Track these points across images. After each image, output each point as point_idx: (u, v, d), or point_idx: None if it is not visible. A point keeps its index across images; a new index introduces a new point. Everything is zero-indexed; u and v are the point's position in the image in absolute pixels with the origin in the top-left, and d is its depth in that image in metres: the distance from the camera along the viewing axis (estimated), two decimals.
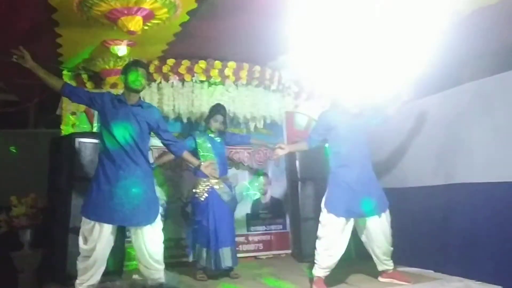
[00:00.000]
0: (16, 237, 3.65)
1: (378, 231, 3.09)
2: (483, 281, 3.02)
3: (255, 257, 4.45)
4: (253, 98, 4.47)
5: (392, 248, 3.18)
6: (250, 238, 4.51)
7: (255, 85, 4.50)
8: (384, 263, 3.18)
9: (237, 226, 4.23)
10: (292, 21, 3.21)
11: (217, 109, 3.75)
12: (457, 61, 3.61)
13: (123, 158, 2.67)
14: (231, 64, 4.31)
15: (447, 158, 3.50)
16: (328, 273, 3.08)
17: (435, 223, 3.52)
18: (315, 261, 3.09)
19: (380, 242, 3.12)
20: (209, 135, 3.70)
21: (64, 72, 4.09)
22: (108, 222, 2.66)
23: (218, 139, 3.72)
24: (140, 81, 2.77)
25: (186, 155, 3.03)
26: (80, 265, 2.69)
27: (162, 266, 2.83)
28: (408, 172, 3.85)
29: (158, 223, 2.79)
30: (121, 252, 3.60)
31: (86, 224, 2.66)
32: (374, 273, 3.32)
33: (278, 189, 4.72)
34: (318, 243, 3.07)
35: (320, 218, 3.09)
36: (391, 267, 3.21)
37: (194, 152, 3.57)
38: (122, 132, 2.69)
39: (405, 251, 3.68)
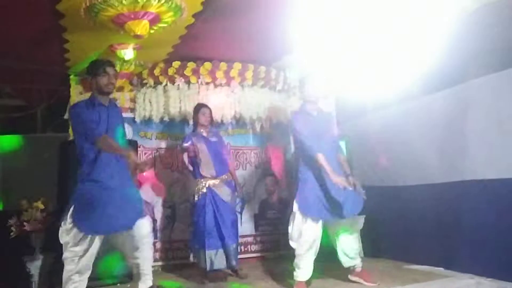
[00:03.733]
0: (28, 241, 3.67)
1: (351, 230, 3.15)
2: (494, 278, 3.01)
3: (263, 257, 4.46)
4: (259, 99, 4.46)
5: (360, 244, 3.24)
6: (258, 238, 4.51)
7: (261, 85, 4.49)
8: (354, 258, 3.20)
9: (245, 226, 4.40)
10: (296, 22, 3.23)
11: (200, 104, 3.77)
12: (462, 57, 3.57)
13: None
14: (237, 65, 4.30)
15: (453, 155, 3.48)
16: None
17: (443, 220, 3.51)
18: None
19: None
20: (203, 135, 3.66)
21: (71, 76, 4.11)
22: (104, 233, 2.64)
23: (213, 139, 3.67)
24: (113, 84, 2.75)
25: None
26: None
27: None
28: (414, 169, 3.83)
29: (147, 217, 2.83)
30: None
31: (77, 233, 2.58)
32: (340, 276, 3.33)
33: (285, 189, 4.69)
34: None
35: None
36: (360, 265, 3.23)
37: (194, 153, 3.59)
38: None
39: (415, 249, 3.74)
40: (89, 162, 2.63)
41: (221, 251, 3.47)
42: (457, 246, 3.39)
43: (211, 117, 3.75)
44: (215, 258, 3.44)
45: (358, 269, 3.21)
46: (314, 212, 3.02)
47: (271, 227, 4.59)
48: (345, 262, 3.22)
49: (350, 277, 3.25)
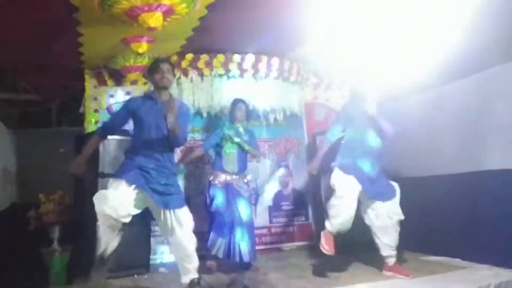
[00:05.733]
0: (46, 233, 3.73)
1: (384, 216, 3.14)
2: None
3: (278, 248, 4.50)
4: (272, 91, 4.49)
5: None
6: (273, 230, 4.55)
7: (274, 77, 4.52)
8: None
9: (259, 218, 4.33)
10: (310, 12, 3.29)
11: (238, 99, 3.84)
12: (482, 45, 3.48)
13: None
14: (250, 57, 4.35)
15: (472, 145, 3.49)
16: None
17: (462, 211, 3.50)
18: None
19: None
20: (238, 129, 3.72)
21: (86, 70, 4.19)
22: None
23: (245, 137, 3.71)
24: (167, 78, 2.83)
25: None
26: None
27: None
28: (434, 160, 3.83)
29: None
30: (147, 246, 3.75)
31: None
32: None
33: (299, 181, 4.73)
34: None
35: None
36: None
37: (217, 146, 3.65)
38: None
39: (432, 239, 3.72)
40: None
41: (239, 244, 3.42)
42: (474, 236, 3.36)
43: (247, 112, 3.81)
44: (235, 250, 3.39)
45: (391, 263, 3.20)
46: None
47: (285, 218, 4.62)
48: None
49: (385, 272, 3.22)
